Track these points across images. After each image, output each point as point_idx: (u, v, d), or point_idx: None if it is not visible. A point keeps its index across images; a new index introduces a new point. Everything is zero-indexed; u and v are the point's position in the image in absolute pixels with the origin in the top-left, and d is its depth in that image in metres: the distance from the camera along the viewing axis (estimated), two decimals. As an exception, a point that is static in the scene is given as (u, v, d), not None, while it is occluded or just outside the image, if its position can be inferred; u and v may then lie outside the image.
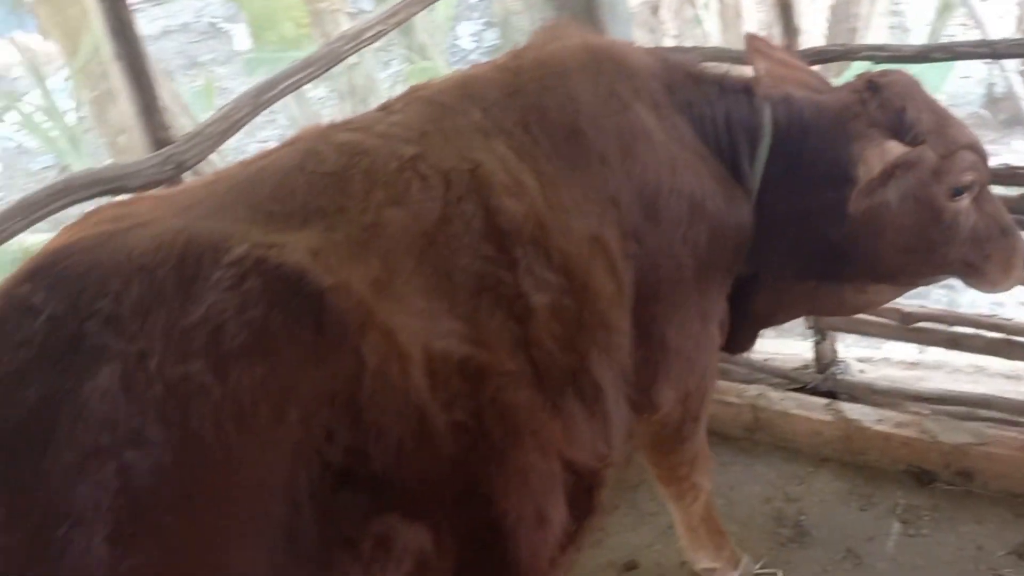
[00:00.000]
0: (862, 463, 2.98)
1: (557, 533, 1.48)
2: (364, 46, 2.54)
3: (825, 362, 3.18)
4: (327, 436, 1.10)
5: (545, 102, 1.72)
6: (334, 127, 1.61)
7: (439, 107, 1.67)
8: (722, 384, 3.27)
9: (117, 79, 2.12)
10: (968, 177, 1.93)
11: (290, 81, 2.30)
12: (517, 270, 1.50)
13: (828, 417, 3.03)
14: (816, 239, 2.02)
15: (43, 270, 1.14)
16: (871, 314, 2.91)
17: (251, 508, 1.03)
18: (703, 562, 2.60)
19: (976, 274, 2.10)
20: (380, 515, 1.14)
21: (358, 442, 1.12)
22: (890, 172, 1.83)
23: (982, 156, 1.99)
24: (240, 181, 1.41)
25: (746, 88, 2.03)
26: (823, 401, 3.10)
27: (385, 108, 1.71)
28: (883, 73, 2.03)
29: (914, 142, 1.89)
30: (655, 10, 5.74)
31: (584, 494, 1.57)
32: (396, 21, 2.60)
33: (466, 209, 1.48)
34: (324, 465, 1.08)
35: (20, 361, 1.05)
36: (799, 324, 3.29)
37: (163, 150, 2.05)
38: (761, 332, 2.39)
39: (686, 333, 1.94)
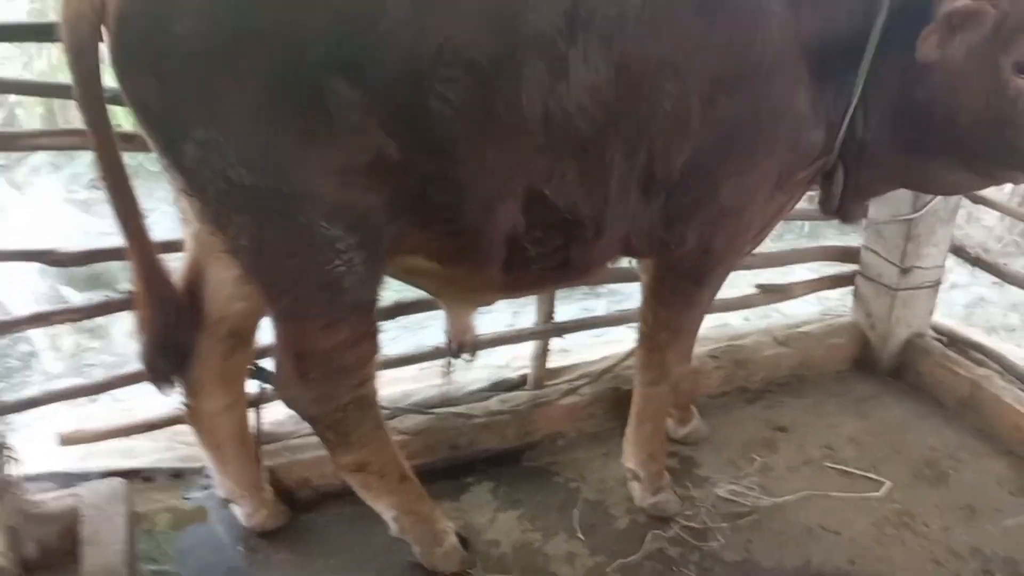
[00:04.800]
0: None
1: None
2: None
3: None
4: None
5: None
6: None
7: None
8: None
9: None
10: None
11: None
12: (573, 45, 1.87)
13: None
14: (906, 100, 2.18)
15: None
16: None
17: None
18: (630, 460, 2.80)
19: None
20: None
21: None
22: (947, 20, 1.98)
23: None
24: None
25: None
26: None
27: None
28: None
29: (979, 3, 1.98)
30: None
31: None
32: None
33: None
34: None
35: None
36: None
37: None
38: (868, 201, 2.55)
39: (736, 193, 2.23)
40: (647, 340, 2.61)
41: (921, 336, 3.61)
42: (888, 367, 3.65)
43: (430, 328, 3.66)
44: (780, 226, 3.89)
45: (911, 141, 2.26)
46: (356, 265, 1.96)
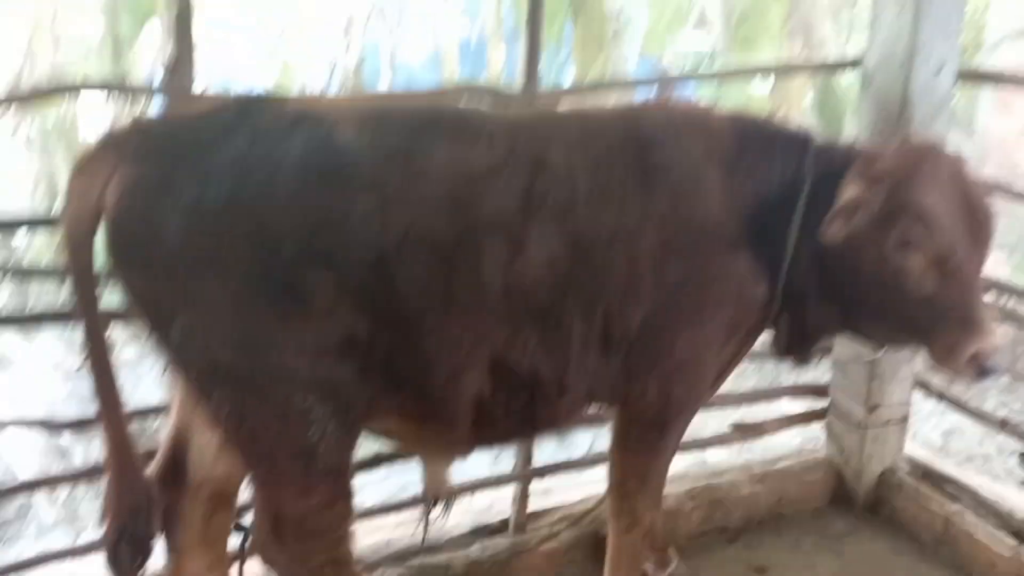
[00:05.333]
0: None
1: None
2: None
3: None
4: None
5: (631, 141, 2.29)
6: None
7: (552, 121, 2.40)
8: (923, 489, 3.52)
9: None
10: (905, 237, 2.23)
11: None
12: (529, 223, 2.09)
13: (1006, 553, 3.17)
14: (827, 258, 2.36)
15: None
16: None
17: None
18: None
19: (925, 346, 2.35)
20: None
21: None
22: (843, 211, 2.23)
23: (929, 229, 2.22)
24: None
25: (804, 142, 2.46)
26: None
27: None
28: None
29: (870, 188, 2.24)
30: None
31: None
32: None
33: (515, 172, 2.09)
34: None
35: None
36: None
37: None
38: (816, 345, 2.66)
39: (690, 346, 2.41)
40: (616, 488, 2.68)
41: (894, 471, 3.68)
42: (864, 502, 3.70)
43: (413, 472, 3.74)
44: (760, 361, 4.05)
45: (834, 294, 2.45)
46: (329, 432, 2.09)
